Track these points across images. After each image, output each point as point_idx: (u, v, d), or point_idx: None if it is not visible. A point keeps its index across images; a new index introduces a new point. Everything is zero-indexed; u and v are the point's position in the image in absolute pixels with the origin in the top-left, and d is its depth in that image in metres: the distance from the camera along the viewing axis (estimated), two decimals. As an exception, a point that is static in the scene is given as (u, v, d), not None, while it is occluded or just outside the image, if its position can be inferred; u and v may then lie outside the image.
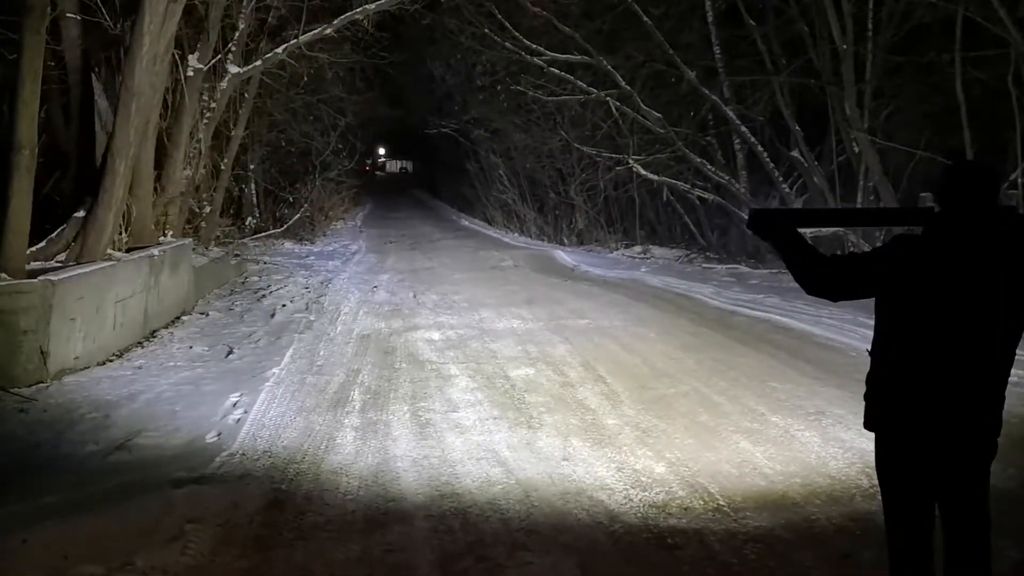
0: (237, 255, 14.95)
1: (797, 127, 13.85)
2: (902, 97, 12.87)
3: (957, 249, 2.51)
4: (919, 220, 2.70)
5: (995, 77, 10.92)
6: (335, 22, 14.01)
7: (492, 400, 6.36)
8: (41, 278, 7.02)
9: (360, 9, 14.11)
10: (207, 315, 10.23)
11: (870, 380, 2.71)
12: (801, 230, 2.72)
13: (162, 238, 10.58)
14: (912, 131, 13.04)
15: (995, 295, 2.49)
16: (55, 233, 8.65)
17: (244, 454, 5.19)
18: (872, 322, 2.71)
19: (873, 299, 2.70)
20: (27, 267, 7.40)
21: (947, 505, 2.63)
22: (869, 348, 2.73)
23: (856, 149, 12.64)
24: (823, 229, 11.87)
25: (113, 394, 6.63)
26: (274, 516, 4.24)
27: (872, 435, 2.75)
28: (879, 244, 2.71)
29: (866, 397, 2.72)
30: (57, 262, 8.26)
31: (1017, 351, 2.60)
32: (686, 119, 16.76)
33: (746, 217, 11.81)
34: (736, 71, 15.05)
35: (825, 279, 2.66)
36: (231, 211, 18.06)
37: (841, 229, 12.12)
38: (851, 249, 11.70)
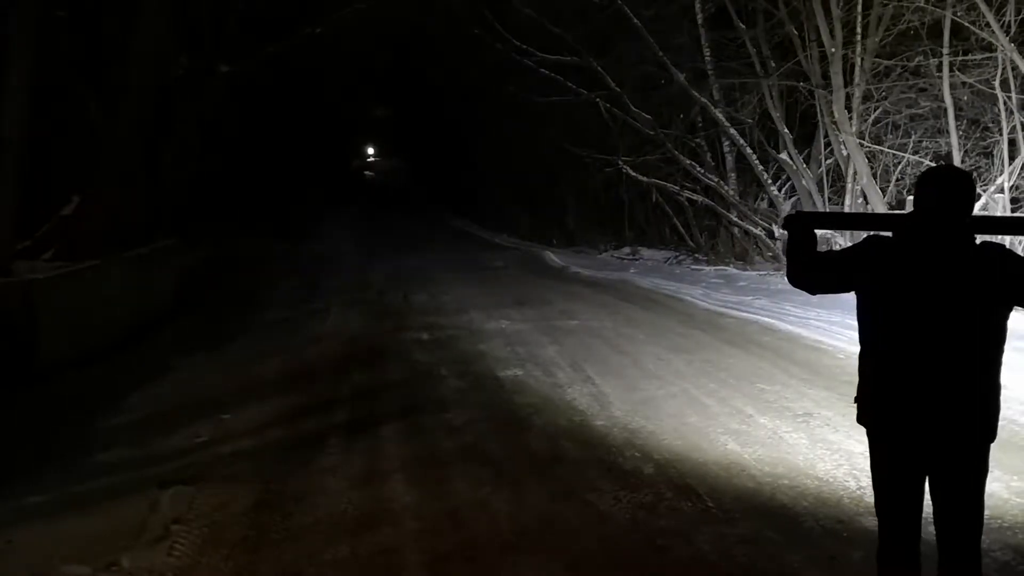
0: (227, 255, 14.89)
1: (786, 129, 13.90)
2: (890, 100, 12.93)
3: (923, 250, 2.58)
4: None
5: (982, 81, 10.99)
6: (326, 21, 13.99)
7: (481, 401, 6.35)
8: (27, 277, 6.98)
9: (351, 8, 14.10)
10: (196, 315, 10.18)
11: (859, 375, 2.79)
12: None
13: (151, 237, 10.51)
14: (900, 134, 13.11)
15: (961, 299, 2.53)
16: (41, 232, 8.59)
17: (232, 455, 5.17)
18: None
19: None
20: (12, 266, 7.34)
21: (938, 506, 2.66)
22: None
23: (844, 152, 12.69)
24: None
25: (99, 396, 6.58)
26: (262, 516, 4.22)
27: (865, 438, 2.81)
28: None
29: (857, 391, 2.80)
30: (43, 261, 8.20)
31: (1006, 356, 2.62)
32: (676, 121, 16.79)
33: (734, 219, 11.81)
34: (726, 73, 15.09)
35: (805, 273, 2.92)
36: (221, 211, 17.97)
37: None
38: (837, 247, 11.73)
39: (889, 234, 2.72)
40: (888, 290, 2.63)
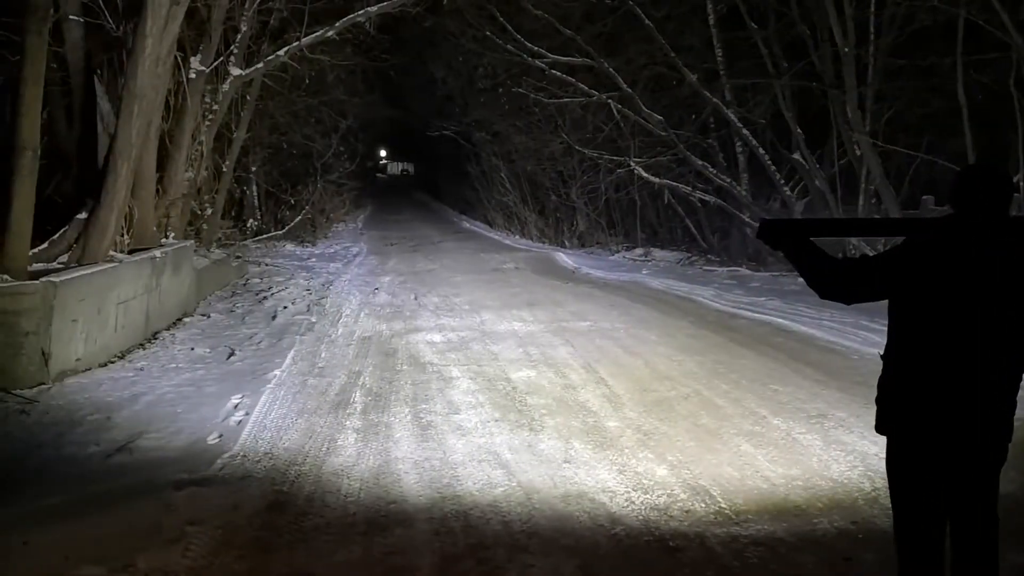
0: (238, 257, 14.95)
1: (799, 130, 13.85)
2: (903, 100, 12.86)
3: (967, 253, 2.50)
4: (928, 229, 2.69)
5: (996, 80, 10.93)
6: (337, 24, 14.03)
7: (494, 402, 6.36)
8: (43, 279, 7.02)
9: (362, 11, 14.14)
10: (208, 317, 10.23)
11: (882, 383, 2.71)
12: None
13: (164, 240, 10.58)
14: (913, 134, 13.05)
15: (1003, 300, 2.48)
16: (57, 235, 8.65)
17: (245, 456, 5.19)
18: (875, 326, 2.74)
19: (879, 303, 2.71)
20: (29, 268, 7.40)
21: (956, 508, 2.62)
22: (881, 352, 2.72)
23: (858, 152, 12.64)
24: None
25: (114, 396, 6.63)
26: (275, 518, 4.24)
27: (879, 439, 2.75)
28: (881, 247, 2.75)
29: (878, 400, 2.72)
30: (59, 263, 8.26)
31: None
32: (687, 122, 16.76)
33: (747, 220, 11.66)
34: (737, 74, 15.06)
35: (839, 284, 2.72)
36: (232, 213, 18.07)
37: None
38: (852, 252, 11.69)
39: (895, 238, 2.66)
40: (933, 294, 2.52)
